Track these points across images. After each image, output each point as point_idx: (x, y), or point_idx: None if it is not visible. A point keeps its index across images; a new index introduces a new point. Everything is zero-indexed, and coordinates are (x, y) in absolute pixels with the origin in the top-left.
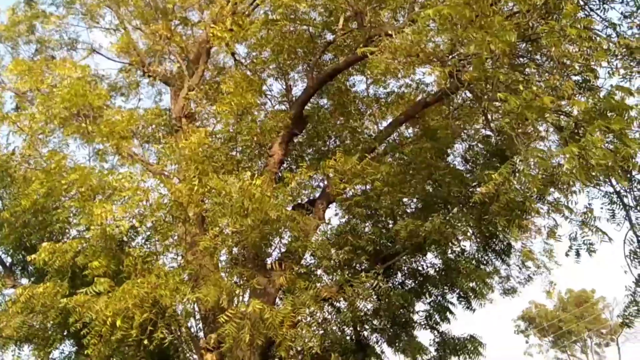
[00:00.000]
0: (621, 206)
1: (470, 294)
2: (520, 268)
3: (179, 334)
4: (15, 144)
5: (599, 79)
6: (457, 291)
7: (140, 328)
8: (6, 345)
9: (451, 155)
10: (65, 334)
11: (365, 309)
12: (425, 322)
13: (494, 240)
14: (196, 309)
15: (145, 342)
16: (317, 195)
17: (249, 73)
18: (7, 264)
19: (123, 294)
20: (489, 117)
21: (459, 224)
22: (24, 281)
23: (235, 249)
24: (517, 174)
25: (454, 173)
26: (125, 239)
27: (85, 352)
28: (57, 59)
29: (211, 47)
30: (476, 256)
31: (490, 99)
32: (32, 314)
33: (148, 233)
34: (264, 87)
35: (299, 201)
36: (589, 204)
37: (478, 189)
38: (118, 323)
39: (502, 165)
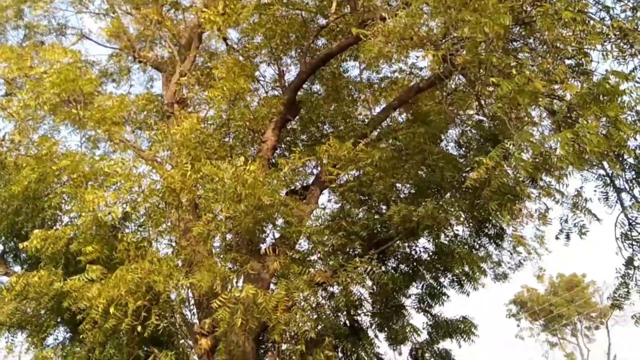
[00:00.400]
0: (613, 189)
1: (464, 278)
2: (511, 253)
3: (173, 320)
4: (5, 130)
5: (592, 63)
6: (450, 275)
7: (134, 315)
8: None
9: (444, 140)
10: (59, 320)
11: (359, 294)
12: (418, 305)
13: (487, 225)
14: (190, 294)
15: (139, 329)
16: (311, 181)
17: (241, 58)
18: None
19: (116, 281)
20: (482, 102)
21: (452, 209)
22: (17, 269)
23: (228, 235)
24: (509, 159)
25: (447, 158)
26: (117, 225)
27: (80, 338)
28: (46, 44)
29: (203, 32)
30: (469, 241)
31: (484, 83)
32: (25, 301)
33: (142, 219)
34: (257, 73)
35: (293, 187)
36: (581, 187)
37: (471, 174)
38: (111, 310)
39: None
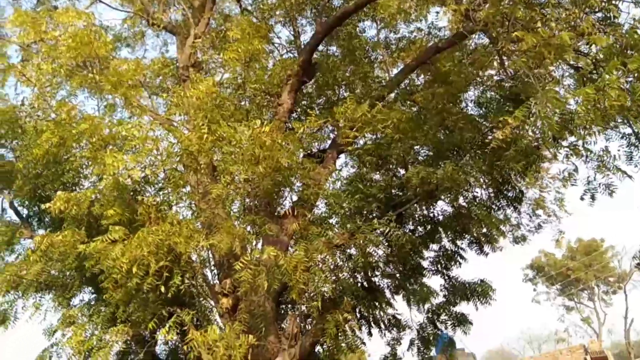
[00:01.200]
0: (639, 147)
1: (482, 239)
2: (530, 216)
3: (194, 281)
4: (24, 94)
5: (621, 14)
6: (468, 237)
7: (156, 275)
8: (27, 292)
9: (464, 101)
10: (83, 280)
11: (376, 256)
12: (435, 268)
13: (506, 187)
14: (210, 256)
15: (162, 289)
16: (328, 145)
17: (255, 20)
18: (24, 216)
19: (138, 242)
20: (504, 60)
21: (472, 171)
22: (41, 232)
23: (247, 198)
24: (532, 118)
25: (467, 119)
26: (138, 188)
27: (105, 298)
28: (60, 8)
29: None
30: (488, 203)
31: (507, 39)
32: (50, 262)
33: (161, 183)
34: (272, 35)
35: (310, 151)
36: (606, 146)
37: (491, 135)
38: (134, 270)
39: (516, 110)
